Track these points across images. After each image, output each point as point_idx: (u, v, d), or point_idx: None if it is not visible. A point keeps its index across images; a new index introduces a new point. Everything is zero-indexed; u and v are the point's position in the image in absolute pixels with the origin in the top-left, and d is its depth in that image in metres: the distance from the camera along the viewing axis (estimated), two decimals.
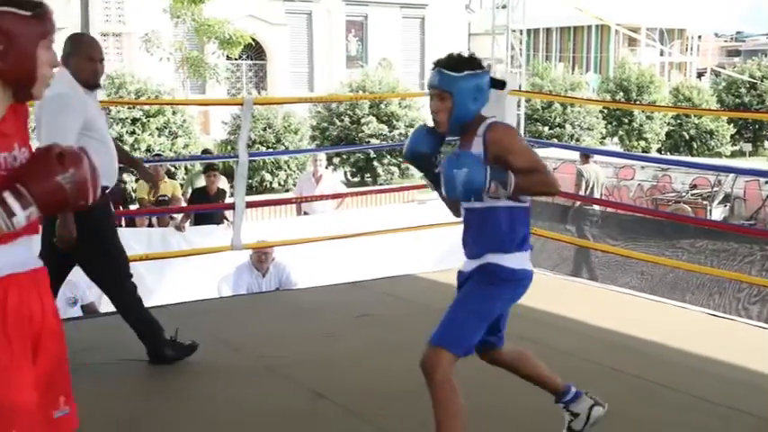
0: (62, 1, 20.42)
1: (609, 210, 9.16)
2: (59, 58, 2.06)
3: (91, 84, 3.63)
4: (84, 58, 3.58)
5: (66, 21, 20.53)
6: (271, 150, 16.52)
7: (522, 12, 17.52)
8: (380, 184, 18.09)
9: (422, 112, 19.88)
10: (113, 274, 3.78)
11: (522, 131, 12.88)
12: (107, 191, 3.53)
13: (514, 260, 2.72)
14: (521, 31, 18.07)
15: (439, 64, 2.73)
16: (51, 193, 1.72)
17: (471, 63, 2.72)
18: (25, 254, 1.86)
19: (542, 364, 2.91)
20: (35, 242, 1.91)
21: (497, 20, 17.64)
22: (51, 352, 1.87)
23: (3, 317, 1.77)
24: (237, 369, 3.91)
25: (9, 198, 1.70)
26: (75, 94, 3.54)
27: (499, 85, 2.83)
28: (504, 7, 17.80)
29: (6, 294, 1.78)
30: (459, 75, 2.67)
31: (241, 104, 5.14)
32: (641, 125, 24.19)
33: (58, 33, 1.88)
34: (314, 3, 26.18)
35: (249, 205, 5.51)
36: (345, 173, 19.05)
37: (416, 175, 19.75)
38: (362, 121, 19.04)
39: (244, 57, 23.28)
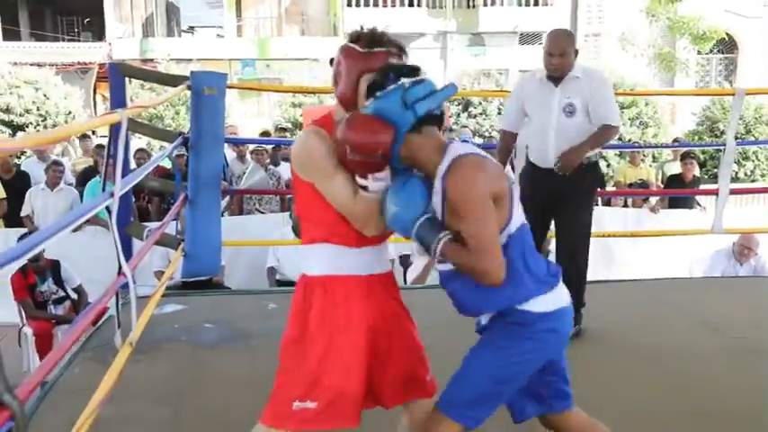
0: (548, 8, 21.12)
1: None
2: None
3: (548, 75, 3.42)
4: (545, 51, 3.39)
5: (553, 24, 21.00)
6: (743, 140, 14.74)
7: None
8: None
9: None
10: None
11: None
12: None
13: None
14: None
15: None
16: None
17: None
18: (372, 260, 1.92)
19: None
20: (379, 250, 1.94)
21: None
22: (408, 338, 1.97)
23: (348, 310, 1.85)
24: (715, 349, 3.50)
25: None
26: (522, 80, 3.65)
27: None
28: None
29: (357, 290, 1.87)
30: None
31: (732, 94, 4.62)
32: None
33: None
34: None
35: (732, 192, 4.89)
36: None
37: None
38: None
39: (714, 51, 21.46)
